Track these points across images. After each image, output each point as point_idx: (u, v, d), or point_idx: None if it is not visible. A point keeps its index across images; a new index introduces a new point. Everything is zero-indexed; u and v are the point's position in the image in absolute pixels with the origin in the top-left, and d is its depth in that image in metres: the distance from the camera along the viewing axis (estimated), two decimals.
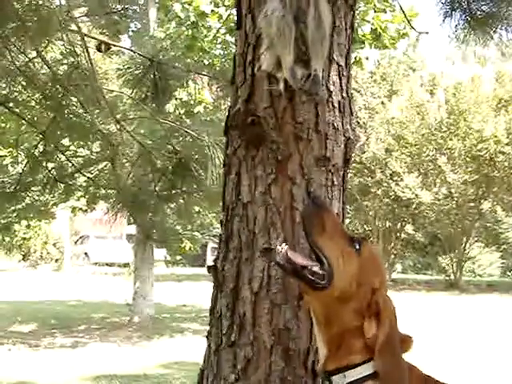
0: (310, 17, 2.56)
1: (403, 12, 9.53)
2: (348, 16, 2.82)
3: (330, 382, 2.18)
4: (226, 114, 2.85)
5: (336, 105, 2.73)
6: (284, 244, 2.21)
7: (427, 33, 5.79)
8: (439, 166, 25.59)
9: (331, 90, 2.71)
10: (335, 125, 2.72)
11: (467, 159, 25.35)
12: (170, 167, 5.89)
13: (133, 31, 15.52)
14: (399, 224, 30.57)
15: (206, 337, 2.87)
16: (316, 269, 2.15)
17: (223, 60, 12.90)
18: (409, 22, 11.40)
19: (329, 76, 2.70)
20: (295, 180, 2.63)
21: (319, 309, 2.18)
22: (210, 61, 13.10)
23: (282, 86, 2.58)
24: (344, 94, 2.78)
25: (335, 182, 2.74)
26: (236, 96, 2.77)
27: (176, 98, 12.55)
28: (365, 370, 2.14)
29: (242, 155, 2.71)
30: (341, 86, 2.76)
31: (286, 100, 2.63)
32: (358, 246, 2.19)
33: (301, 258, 2.19)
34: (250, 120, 2.64)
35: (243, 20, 2.79)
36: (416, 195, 25.57)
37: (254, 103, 2.67)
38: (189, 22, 13.43)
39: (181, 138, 5.91)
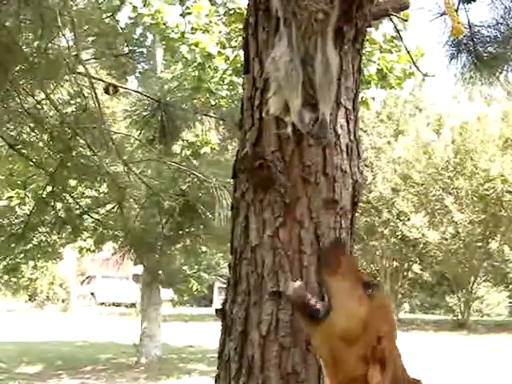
0: (318, 61, 2.58)
1: (409, 54, 9.58)
2: (355, 60, 2.84)
3: None
4: (234, 157, 2.86)
5: (344, 148, 2.74)
6: (299, 281, 2.25)
7: (433, 76, 5.82)
8: (446, 206, 25.59)
9: (339, 133, 2.72)
10: (343, 168, 2.72)
11: (474, 199, 25.34)
12: (177, 209, 5.90)
13: (140, 72, 15.62)
14: (406, 263, 30.49)
15: (215, 380, 2.86)
16: (314, 301, 2.16)
17: (230, 101, 12.95)
18: (414, 63, 11.47)
19: (336, 119, 2.71)
20: (303, 223, 2.64)
21: (322, 348, 2.18)
22: (217, 102, 13.16)
23: (289, 129, 2.60)
24: (352, 137, 2.79)
25: (343, 225, 2.74)
26: (244, 140, 2.78)
27: (183, 140, 12.61)
28: None
29: (251, 199, 2.72)
30: (348, 129, 2.78)
31: (294, 144, 2.64)
32: (369, 292, 2.17)
33: (308, 294, 2.20)
34: (258, 163, 2.65)
35: (251, 64, 2.81)
36: (423, 235, 25.54)
37: (261, 147, 2.68)
38: (195, 64, 13.51)
39: (188, 180, 5.92)
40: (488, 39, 4.94)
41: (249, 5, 2.90)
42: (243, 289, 2.72)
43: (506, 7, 5.05)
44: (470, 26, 5.09)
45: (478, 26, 5.11)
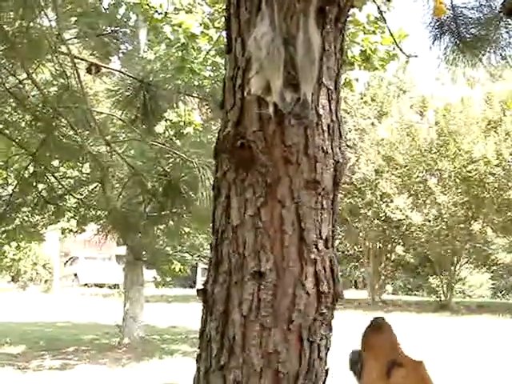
0: (300, 41, 2.58)
1: (392, 36, 9.57)
2: (337, 40, 2.83)
3: None
4: (216, 137, 2.85)
5: (325, 128, 2.73)
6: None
7: (416, 56, 5.82)
8: (429, 188, 25.71)
9: (320, 113, 2.72)
10: (325, 148, 2.72)
11: (457, 180, 25.46)
12: (160, 189, 5.89)
13: (123, 53, 15.53)
14: (389, 245, 30.63)
15: (196, 360, 2.86)
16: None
17: (213, 82, 12.90)
18: (397, 45, 11.45)
19: (318, 100, 2.71)
20: (285, 203, 2.63)
21: None
22: (200, 82, 13.10)
23: (271, 109, 2.59)
24: (333, 118, 2.78)
25: (325, 206, 2.74)
26: (225, 119, 2.77)
27: (166, 120, 12.58)
28: None
29: (232, 178, 2.71)
30: (330, 109, 2.77)
31: (276, 124, 2.63)
32: (392, 369, 2.40)
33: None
34: (239, 143, 2.65)
35: (233, 44, 2.80)
36: (406, 216, 25.66)
37: (243, 127, 2.67)
38: (179, 44, 13.45)
39: (171, 160, 5.91)
40: (471, 21, 4.95)
41: None
42: (225, 269, 2.71)
43: None
44: (452, 8, 5.09)
45: (461, 8, 5.11)
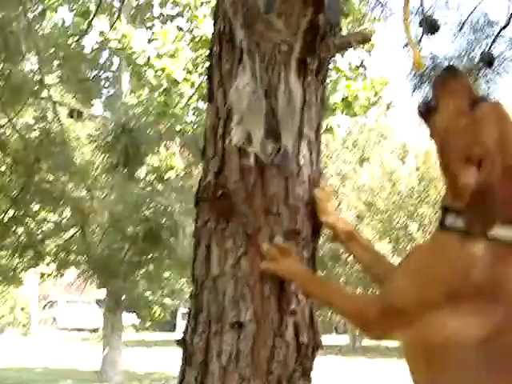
0: (281, 92, 2.60)
1: (372, 84, 9.66)
2: (318, 91, 2.85)
3: (443, 218, 2.33)
4: (197, 186, 2.85)
5: (306, 178, 2.74)
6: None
7: (394, 106, 5.89)
8: (410, 233, 25.73)
9: (301, 163, 2.72)
10: (305, 198, 2.73)
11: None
12: (141, 234, 5.87)
13: (106, 97, 15.62)
14: (370, 290, 30.57)
15: None
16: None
17: (195, 126, 12.97)
18: (376, 94, 11.56)
19: (299, 150, 2.71)
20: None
21: (436, 139, 2.39)
22: (182, 127, 13.16)
23: (252, 160, 2.60)
24: (314, 168, 2.79)
25: (305, 255, 2.74)
26: (206, 169, 2.78)
27: (147, 164, 12.59)
28: (456, 220, 2.25)
29: (212, 228, 2.71)
30: (311, 159, 2.78)
31: (256, 174, 2.63)
32: (476, 106, 2.30)
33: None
34: (220, 193, 2.65)
35: (214, 93, 2.81)
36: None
37: (224, 176, 2.67)
38: (161, 89, 13.54)
39: (151, 205, 5.90)
40: None
41: (213, 34, 2.91)
42: (204, 318, 2.70)
43: (468, 40, 5.13)
44: (432, 58, 5.17)
45: (441, 58, 5.18)
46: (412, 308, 2.25)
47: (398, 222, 26.35)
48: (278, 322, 2.62)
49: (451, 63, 5.11)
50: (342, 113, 15.27)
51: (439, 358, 2.21)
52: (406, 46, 4.53)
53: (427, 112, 2.43)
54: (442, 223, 2.32)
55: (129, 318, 21.89)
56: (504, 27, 5.05)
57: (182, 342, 2.80)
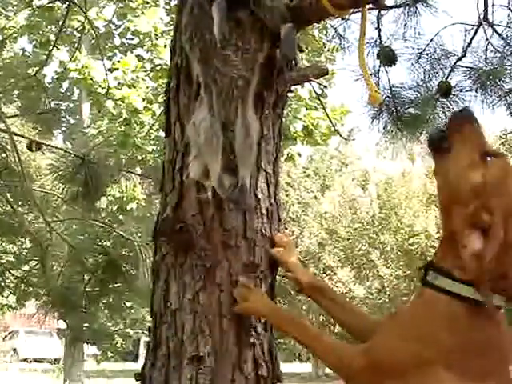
0: (238, 126, 2.61)
1: (328, 116, 9.74)
2: (276, 124, 2.87)
3: (425, 273, 2.31)
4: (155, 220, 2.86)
5: (264, 212, 2.75)
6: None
7: (354, 139, 5.95)
8: (372, 261, 25.82)
9: (259, 197, 2.74)
10: (263, 231, 2.74)
11: (399, 253, 25.64)
12: (101, 266, 5.84)
13: (66, 127, 15.56)
14: (332, 319, 30.55)
15: None
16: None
17: (156, 156, 12.97)
18: (333, 126, 11.65)
19: (257, 184, 2.73)
20: (223, 287, 2.63)
21: (440, 182, 2.39)
22: (143, 156, 13.15)
23: (209, 194, 2.62)
24: (272, 201, 2.81)
25: (264, 289, 2.74)
26: (164, 203, 2.79)
27: (109, 195, 12.55)
28: (468, 291, 2.19)
29: (171, 262, 2.71)
30: (269, 192, 2.80)
31: (214, 208, 2.65)
32: (488, 158, 2.28)
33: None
34: (178, 227, 2.65)
35: (172, 127, 2.83)
36: (349, 289, 25.68)
37: (182, 210, 2.68)
38: (122, 119, 13.53)
39: (112, 237, 5.88)
40: (408, 100, 5.08)
41: (170, 69, 2.93)
42: (163, 353, 2.69)
43: (425, 70, 5.20)
44: (390, 88, 5.23)
45: (399, 88, 5.25)
46: (401, 363, 2.25)
47: (359, 250, 26.43)
48: (237, 356, 2.62)
49: (409, 93, 5.17)
50: (303, 143, 15.37)
51: None
52: (361, 79, 4.57)
53: (439, 147, 2.42)
54: (425, 280, 2.32)
55: (90, 349, 21.64)
56: (460, 58, 5.12)
57: (140, 377, 2.79)
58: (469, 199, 2.22)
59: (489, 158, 2.29)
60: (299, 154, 16.98)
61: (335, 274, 26.05)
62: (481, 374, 2.18)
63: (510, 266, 2.19)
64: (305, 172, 30.69)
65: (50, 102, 7.18)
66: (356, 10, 2.99)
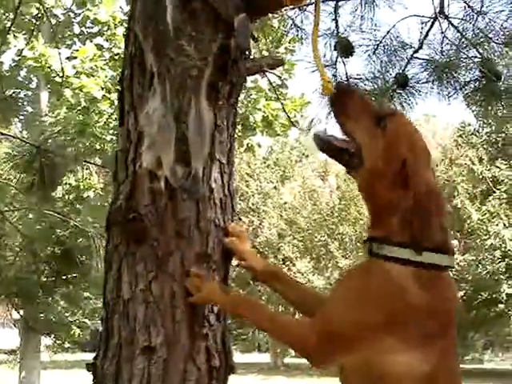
0: (191, 116, 2.61)
1: (284, 109, 9.75)
2: (230, 115, 2.86)
3: (370, 247, 2.37)
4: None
5: (217, 202, 2.75)
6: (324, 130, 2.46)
7: (309, 130, 5.96)
8: (331, 251, 25.96)
9: (213, 187, 2.73)
10: (216, 222, 2.73)
11: (358, 244, 25.81)
12: (56, 257, 5.80)
13: (24, 116, 15.40)
14: (292, 309, 30.69)
15: None
16: (339, 143, 2.45)
17: (115, 145, 12.89)
18: (289, 118, 11.65)
19: (210, 174, 2.72)
20: (175, 277, 2.62)
21: (361, 184, 2.46)
22: (102, 146, 13.06)
23: (162, 184, 2.60)
24: (226, 192, 2.80)
25: (216, 279, 2.74)
26: (117, 192, 2.76)
27: (66, 184, 12.44)
28: (405, 253, 2.26)
29: (123, 252, 2.69)
30: (223, 183, 2.79)
31: (167, 198, 2.63)
32: (383, 123, 2.33)
33: (337, 141, 2.47)
34: (131, 217, 2.63)
35: (125, 117, 2.80)
36: (308, 280, 25.79)
37: (135, 200, 2.66)
38: (80, 108, 13.42)
39: (67, 228, 5.83)
40: (366, 92, 5.10)
41: (124, 58, 2.90)
42: (115, 343, 2.67)
43: (382, 62, 5.23)
44: (347, 79, 5.25)
45: (356, 79, 5.27)
46: (350, 330, 2.27)
47: (318, 240, 26.55)
48: (190, 346, 2.61)
49: (366, 84, 5.20)
50: (263, 133, 15.36)
51: None
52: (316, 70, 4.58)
53: (328, 141, 2.49)
54: (371, 251, 2.37)
55: (47, 340, 21.45)
56: (417, 50, 5.15)
57: (92, 367, 2.77)
58: (383, 167, 2.31)
59: (382, 123, 2.36)
60: (259, 145, 16.99)
61: (294, 264, 26.15)
62: (424, 338, 2.23)
63: (436, 214, 2.28)
64: (265, 162, 30.75)
65: (6, 91, 7.10)
66: (311, 0, 3.00)
